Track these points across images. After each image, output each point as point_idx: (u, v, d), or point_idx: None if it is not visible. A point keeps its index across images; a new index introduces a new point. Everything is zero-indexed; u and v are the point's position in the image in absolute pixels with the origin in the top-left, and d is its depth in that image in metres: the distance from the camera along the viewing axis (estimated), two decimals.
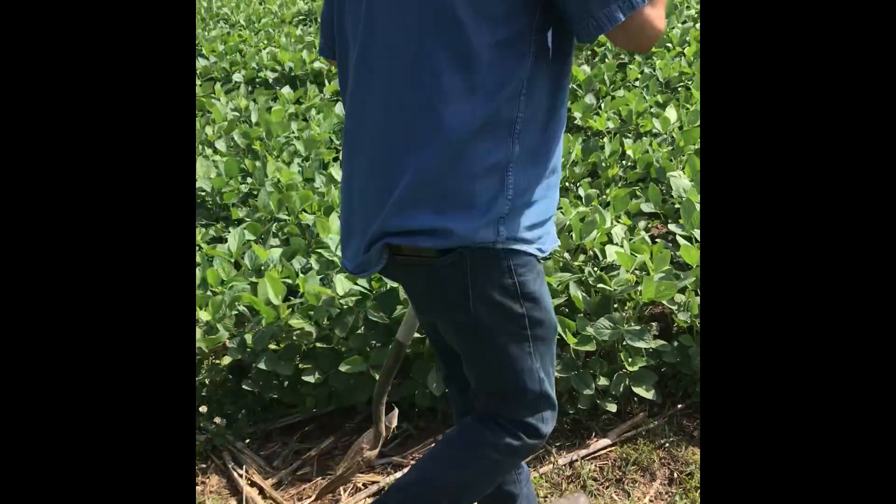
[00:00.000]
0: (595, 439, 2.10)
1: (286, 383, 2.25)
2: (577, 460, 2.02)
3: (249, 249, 2.60)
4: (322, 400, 2.25)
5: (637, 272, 2.21)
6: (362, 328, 2.18)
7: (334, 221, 2.62)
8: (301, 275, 2.36)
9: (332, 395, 2.22)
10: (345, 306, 2.17)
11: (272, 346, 2.23)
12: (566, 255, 2.41)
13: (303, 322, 2.18)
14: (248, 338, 2.26)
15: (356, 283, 2.25)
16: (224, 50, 5.38)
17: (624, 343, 2.08)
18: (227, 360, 2.32)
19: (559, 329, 2.04)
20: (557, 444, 2.08)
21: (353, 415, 2.28)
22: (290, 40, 5.45)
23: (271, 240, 2.80)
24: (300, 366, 2.18)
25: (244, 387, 2.21)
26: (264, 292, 2.31)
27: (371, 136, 1.21)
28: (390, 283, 2.20)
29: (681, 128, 3.26)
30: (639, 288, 2.13)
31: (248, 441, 2.24)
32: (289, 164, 3.46)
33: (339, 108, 3.93)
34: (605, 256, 2.36)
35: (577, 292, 2.17)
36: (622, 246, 2.35)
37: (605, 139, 3.31)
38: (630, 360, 2.07)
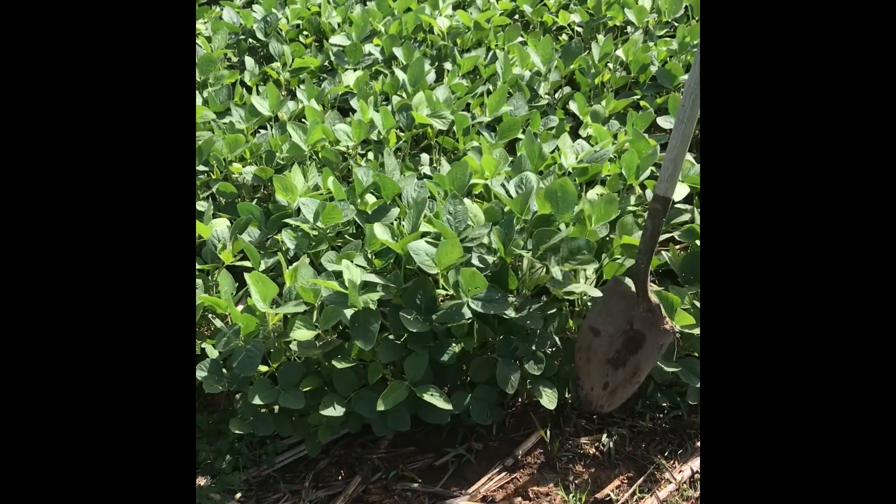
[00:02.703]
0: None
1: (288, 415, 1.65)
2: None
3: None
4: (335, 426, 1.68)
5: None
6: (388, 334, 1.61)
7: (296, 176, 1.95)
8: (284, 262, 1.70)
9: (352, 417, 1.65)
10: (361, 306, 1.56)
11: (261, 367, 1.62)
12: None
13: (305, 332, 1.57)
14: (210, 350, 1.64)
15: (366, 269, 1.66)
16: None
17: None
18: None
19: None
20: (665, 452, 1.64)
21: (377, 439, 1.73)
22: None
23: (199, 203, 2.09)
24: (306, 389, 1.58)
25: (233, 429, 1.58)
26: (228, 289, 1.67)
27: None
28: (412, 264, 1.63)
29: (658, 17, 2.80)
30: None
31: (239, 496, 1.64)
32: None
33: (227, 14, 3.10)
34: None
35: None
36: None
37: (581, 38, 2.78)
38: None
